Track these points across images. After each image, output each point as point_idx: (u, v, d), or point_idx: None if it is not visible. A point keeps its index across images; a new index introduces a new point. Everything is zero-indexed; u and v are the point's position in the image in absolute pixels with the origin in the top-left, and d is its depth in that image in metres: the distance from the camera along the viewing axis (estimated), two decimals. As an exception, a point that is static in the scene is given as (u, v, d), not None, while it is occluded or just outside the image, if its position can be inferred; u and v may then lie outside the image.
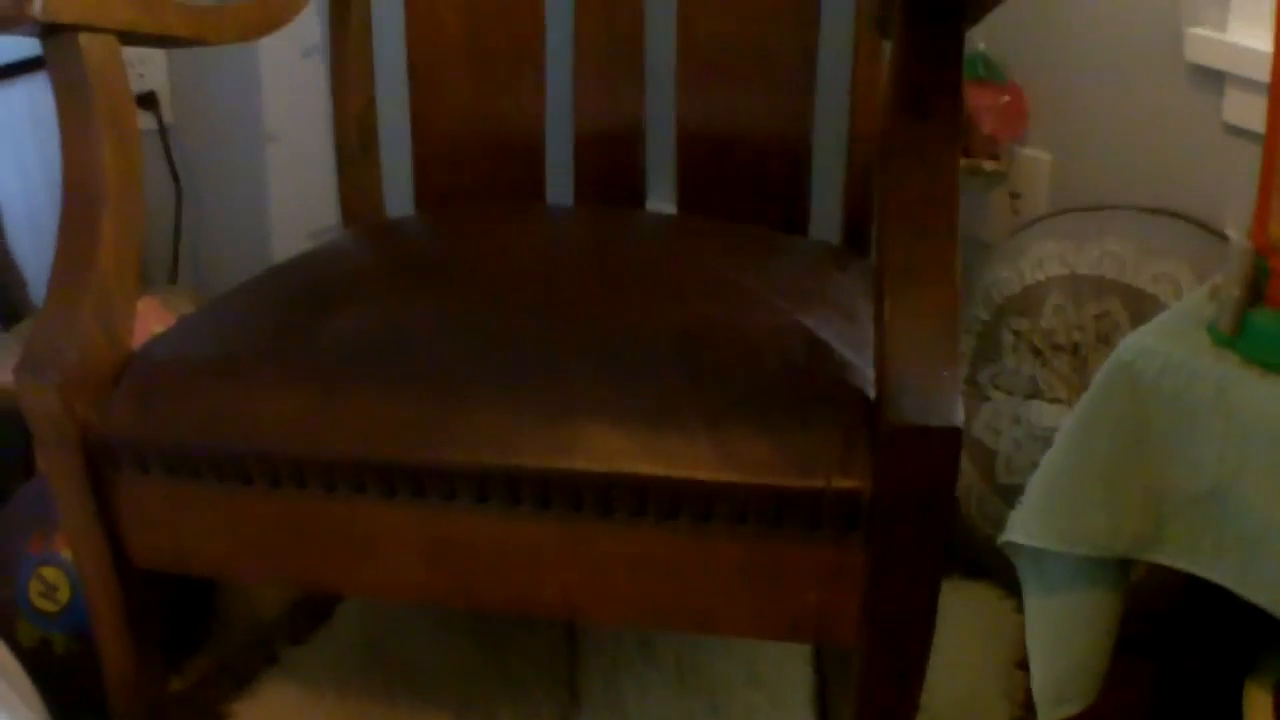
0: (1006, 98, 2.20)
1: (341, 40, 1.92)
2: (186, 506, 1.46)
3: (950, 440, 1.21)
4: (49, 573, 1.85)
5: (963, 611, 1.99)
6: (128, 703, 1.59)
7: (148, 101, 2.30)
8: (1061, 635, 1.41)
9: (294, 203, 2.38)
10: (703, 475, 1.28)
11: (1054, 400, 2.00)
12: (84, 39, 1.44)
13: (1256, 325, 1.31)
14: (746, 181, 1.87)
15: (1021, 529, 1.40)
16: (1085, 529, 1.36)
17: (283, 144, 2.36)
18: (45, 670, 1.84)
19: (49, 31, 1.44)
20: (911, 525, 1.25)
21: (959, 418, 1.21)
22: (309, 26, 1.90)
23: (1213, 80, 1.94)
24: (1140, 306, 1.92)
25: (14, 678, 1.78)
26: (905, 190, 1.27)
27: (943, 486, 1.23)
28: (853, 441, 1.27)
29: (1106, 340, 1.95)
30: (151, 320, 2.07)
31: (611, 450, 1.29)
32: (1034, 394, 2.02)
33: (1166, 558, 1.34)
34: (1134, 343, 1.34)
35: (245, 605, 2.08)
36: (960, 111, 1.26)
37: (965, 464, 2.07)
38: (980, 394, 2.08)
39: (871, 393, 1.30)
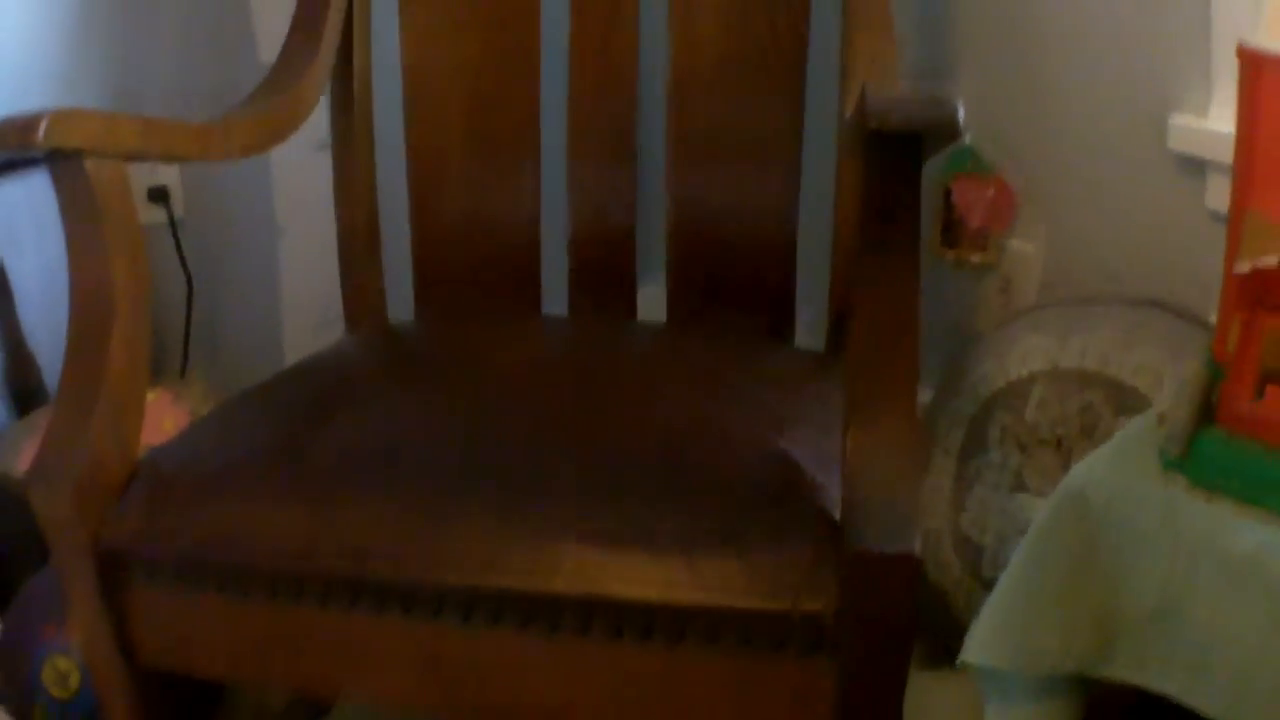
0: (994, 191, 2.25)
1: (344, 147, 1.99)
2: (191, 612, 1.52)
3: (907, 566, 1.27)
4: (61, 661, 1.90)
5: (951, 704, 2.01)
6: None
7: (159, 196, 2.34)
8: (1022, 748, 1.46)
9: (304, 295, 2.42)
10: (675, 598, 1.33)
11: (1039, 493, 2.03)
12: (90, 163, 1.49)
13: (1205, 448, 1.36)
14: (734, 285, 1.94)
15: (977, 650, 1.45)
16: (1037, 649, 1.41)
17: (293, 237, 2.41)
18: (60, 755, 1.89)
19: (55, 156, 1.49)
20: (874, 646, 1.30)
21: (915, 545, 1.27)
22: (320, 121, 1.94)
23: (1196, 168, 1.98)
24: (1122, 399, 1.95)
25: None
26: (867, 327, 1.33)
27: (902, 609, 1.29)
28: (819, 565, 1.32)
29: (1090, 433, 1.98)
30: (162, 414, 2.12)
31: (590, 573, 1.35)
32: (1019, 487, 2.05)
33: (1117, 674, 1.39)
34: (1084, 470, 1.38)
35: (253, 696, 2.11)
36: (918, 245, 1.31)
37: (952, 557, 2.11)
38: (967, 487, 2.11)
39: (838, 515, 1.36)
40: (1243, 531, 1.29)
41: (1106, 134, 2.11)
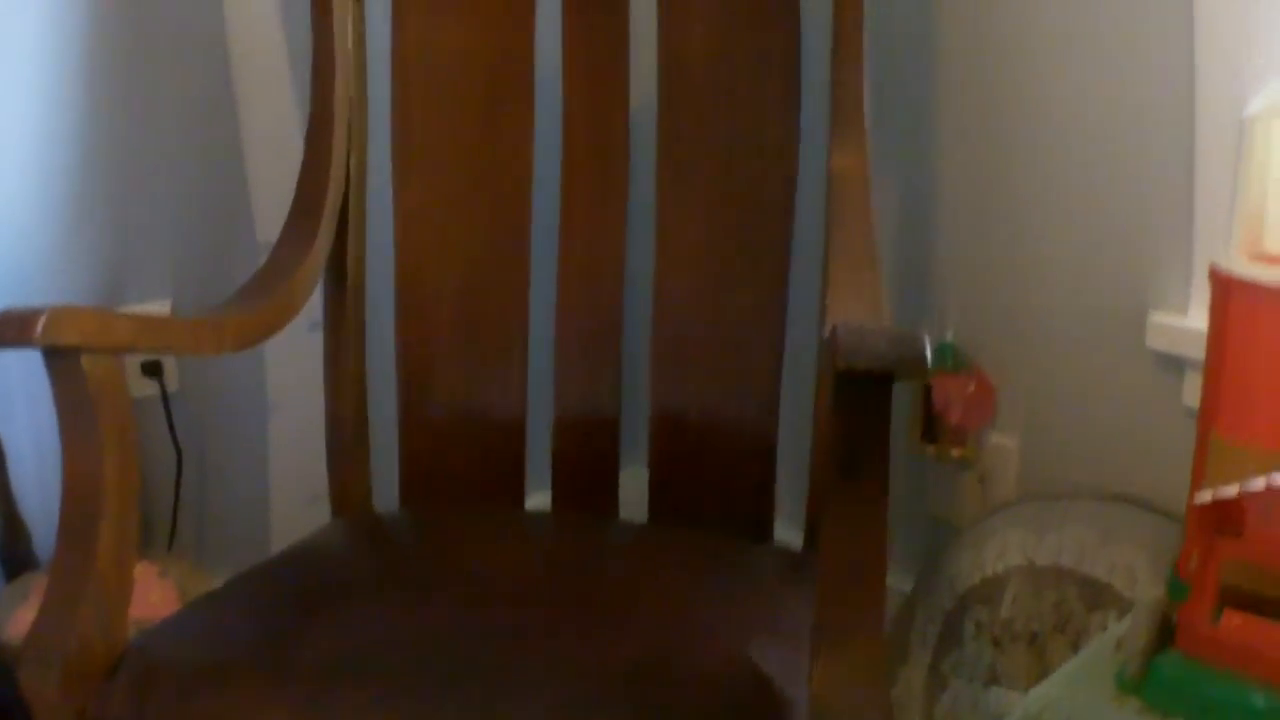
0: (973, 386, 2.28)
1: (336, 335, 2.02)
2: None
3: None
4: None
5: None
6: None
7: (153, 370, 2.35)
8: None
9: (293, 470, 2.45)
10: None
11: (1013, 688, 2.04)
12: (86, 360, 1.52)
13: (1162, 671, 1.38)
14: (715, 481, 1.97)
15: None
16: None
17: (284, 413, 2.43)
18: None
19: (52, 353, 1.52)
20: None
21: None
22: (314, 301, 1.98)
23: (1174, 366, 2.03)
24: (1097, 596, 1.98)
25: None
26: (835, 557, 1.36)
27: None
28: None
29: (1063, 629, 2.00)
30: (149, 587, 2.13)
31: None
32: (993, 681, 2.07)
33: None
34: (1041, 693, 1.41)
35: None
36: (886, 477, 1.34)
37: (927, 751, 2.13)
38: (941, 681, 2.13)
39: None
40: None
41: (1086, 330, 2.16)
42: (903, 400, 2.37)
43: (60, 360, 1.54)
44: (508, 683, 1.47)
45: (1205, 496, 1.39)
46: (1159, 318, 2.04)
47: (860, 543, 1.34)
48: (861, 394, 1.32)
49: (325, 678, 1.51)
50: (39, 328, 1.47)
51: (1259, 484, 1.34)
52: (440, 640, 1.55)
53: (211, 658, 1.57)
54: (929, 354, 1.25)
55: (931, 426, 2.36)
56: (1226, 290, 1.58)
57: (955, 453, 2.34)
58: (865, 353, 1.26)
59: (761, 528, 1.96)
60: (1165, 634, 1.40)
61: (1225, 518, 1.39)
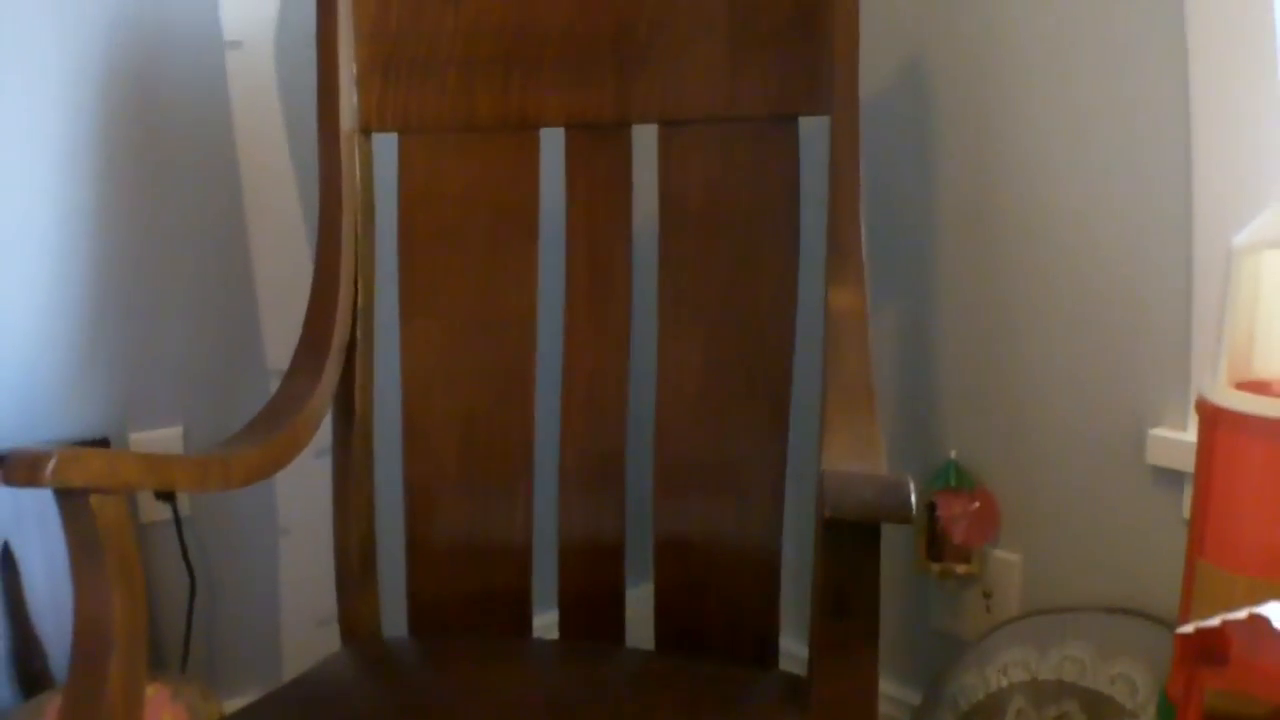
0: (977, 504, 2.30)
1: (344, 468, 2.05)
2: None
3: None
4: None
5: None
6: None
7: (166, 494, 2.39)
8: None
9: (304, 593, 2.48)
10: None
11: (1015, 803, 2.06)
12: (94, 500, 1.55)
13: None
14: (719, 607, 1.99)
15: None
16: None
17: (295, 536, 2.46)
18: None
19: (62, 493, 1.56)
20: None
21: None
22: (322, 429, 2.01)
23: (1173, 480, 2.05)
24: (1098, 708, 1.99)
25: None
26: (831, 688, 1.38)
27: None
28: None
29: (1065, 744, 2.02)
30: (160, 710, 2.15)
31: None
32: (996, 797, 2.08)
33: None
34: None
35: None
36: (876, 616, 1.36)
37: None
38: (945, 800, 2.15)
39: None
40: None
41: (1087, 446, 2.18)
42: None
43: (70, 500, 1.57)
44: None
45: (1188, 628, 1.41)
46: (1159, 433, 2.06)
47: (851, 681, 1.37)
48: (849, 539, 1.35)
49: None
50: (49, 471, 1.50)
51: (1241, 614, 1.36)
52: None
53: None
54: (914, 501, 1.27)
55: (936, 544, 2.38)
56: (1213, 419, 1.61)
57: (960, 569, 2.35)
58: (851, 501, 1.28)
59: (766, 649, 1.97)
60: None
61: (1210, 646, 1.41)
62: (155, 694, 2.20)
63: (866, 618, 1.36)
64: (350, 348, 2.03)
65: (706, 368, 2.01)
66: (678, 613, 2.02)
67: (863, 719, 1.36)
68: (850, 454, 1.44)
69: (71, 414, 2.20)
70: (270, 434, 1.84)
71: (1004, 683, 2.11)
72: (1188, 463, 1.98)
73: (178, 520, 2.40)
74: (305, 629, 2.46)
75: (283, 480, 2.43)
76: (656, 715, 1.74)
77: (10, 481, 1.53)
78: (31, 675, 2.25)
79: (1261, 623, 1.35)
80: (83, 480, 1.54)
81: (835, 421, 1.57)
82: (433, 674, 1.91)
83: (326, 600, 2.07)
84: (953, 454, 2.33)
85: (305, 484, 2.37)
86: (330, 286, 2.00)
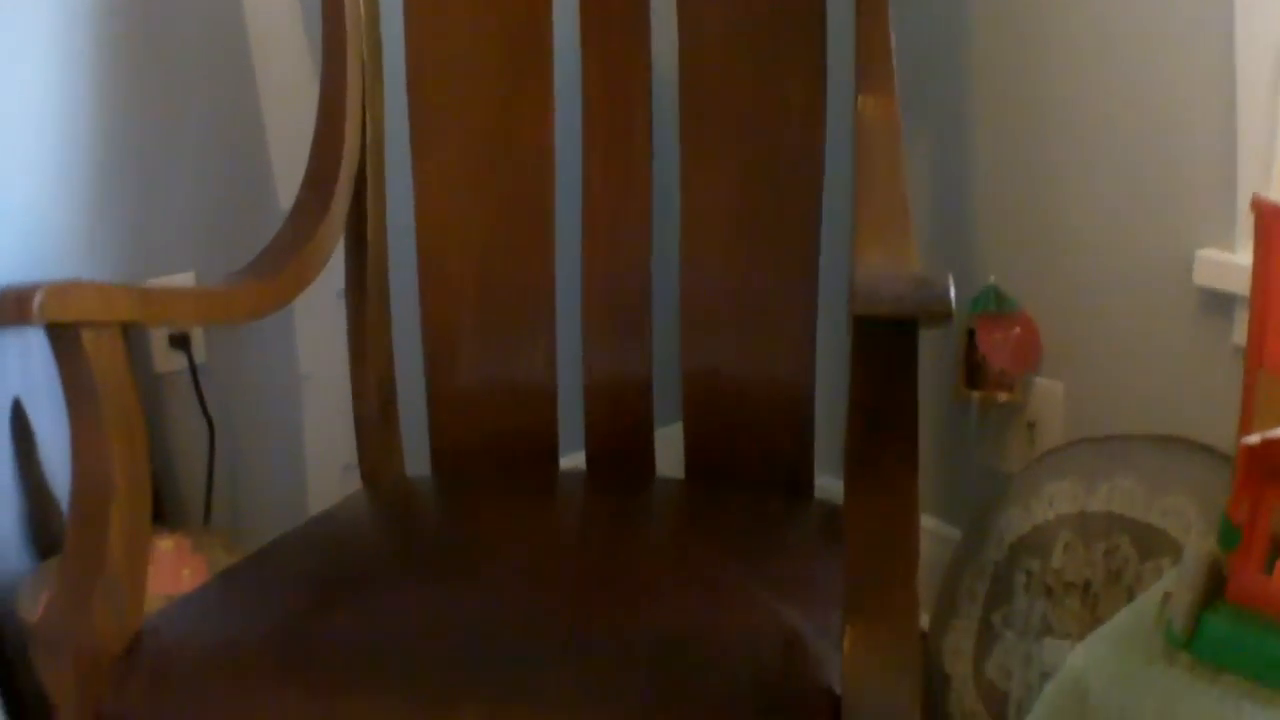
0: (1018, 329, 2.23)
1: (358, 303, 1.99)
2: (193, 786, 1.50)
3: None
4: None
5: None
6: None
7: (180, 342, 2.33)
8: None
9: (328, 440, 2.41)
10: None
11: (1065, 637, 2.00)
12: (87, 336, 1.49)
13: (1212, 625, 1.32)
14: (751, 435, 1.91)
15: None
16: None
17: (316, 382, 2.40)
18: None
19: (53, 329, 1.49)
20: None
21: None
22: (339, 268, 1.95)
23: (1223, 304, 1.98)
24: (1149, 542, 1.93)
25: None
26: (863, 516, 1.30)
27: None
28: (820, 747, 1.29)
29: (1117, 578, 1.96)
30: (181, 562, 2.10)
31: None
32: (1045, 633, 2.02)
33: None
34: (1087, 650, 1.35)
35: None
36: (915, 429, 1.28)
37: (977, 705, 2.08)
38: (992, 634, 2.09)
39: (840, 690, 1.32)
40: (1249, 716, 1.26)
41: (1132, 269, 2.11)
42: (945, 347, 2.32)
43: (62, 338, 1.51)
44: (527, 671, 1.42)
45: (1253, 439, 1.33)
46: (1206, 254, 1.99)
47: (890, 503, 1.29)
48: (883, 343, 1.26)
49: (342, 668, 1.46)
50: (36, 305, 1.44)
51: (1313, 421, 1.29)
52: (461, 626, 1.50)
53: (226, 645, 1.53)
54: (953, 296, 1.18)
55: (976, 372, 2.31)
56: (1271, 221, 1.52)
57: (1001, 398, 2.29)
58: (884, 297, 1.20)
59: (801, 482, 1.90)
60: (1216, 586, 1.34)
61: (1276, 461, 1.33)
62: (175, 546, 2.15)
63: (904, 432, 1.28)
64: (360, 184, 1.95)
65: (732, 198, 1.93)
66: (708, 451, 1.95)
67: (902, 542, 1.28)
68: (881, 258, 1.36)
69: (83, 265, 2.14)
70: (275, 268, 1.78)
71: (1050, 515, 2.05)
72: (1236, 284, 1.92)
73: (193, 368, 2.35)
74: (331, 476, 2.40)
75: (302, 324, 2.36)
76: (691, 545, 1.68)
77: None
78: (47, 538, 2.22)
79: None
80: (74, 315, 1.48)
81: (866, 225, 1.48)
82: (456, 509, 1.86)
83: (352, 446, 2.02)
84: (992, 279, 2.26)
85: (326, 327, 2.31)
86: (335, 119, 1.92)
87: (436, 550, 1.71)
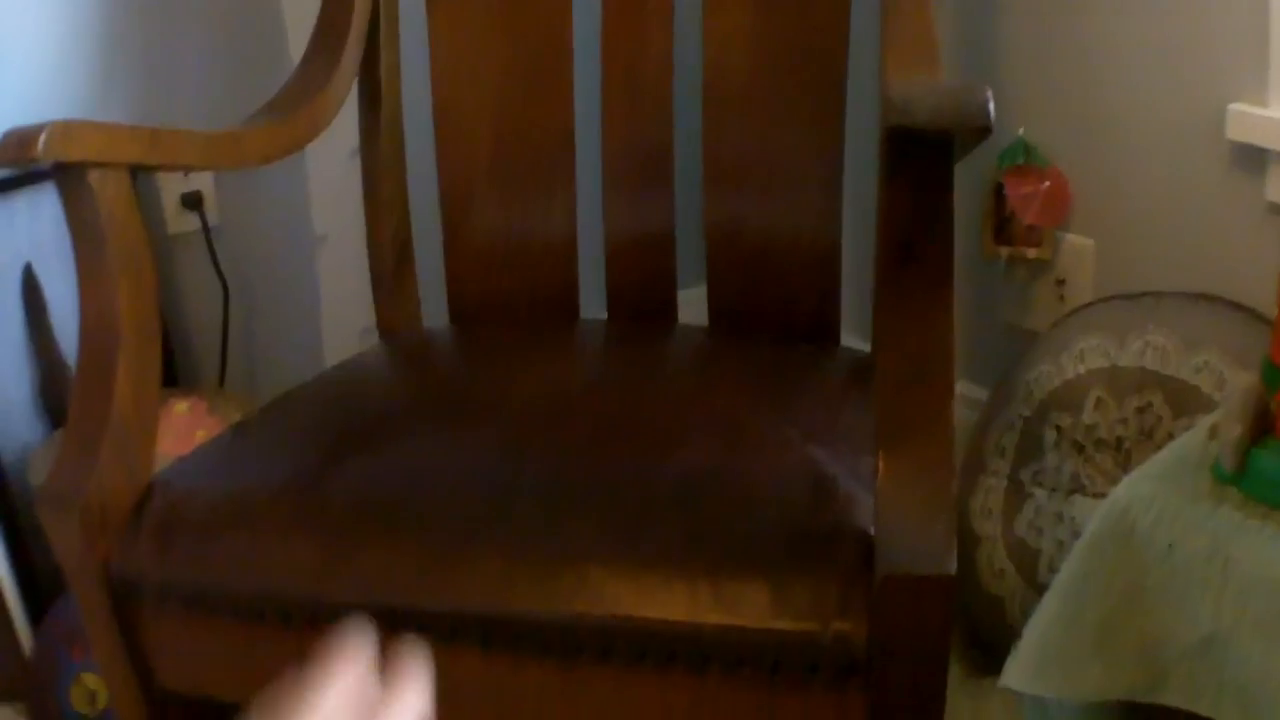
0: (1047, 184, 2.19)
1: (372, 155, 1.94)
2: (205, 638, 1.48)
3: (943, 588, 1.19)
4: (89, 679, 1.90)
5: (1003, 714, 1.96)
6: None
7: (193, 202, 2.31)
8: (1068, 772, 1.40)
9: (343, 300, 2.38)
10: (699, 619, 1.27)
11: (1096, 495, 1.97)
12: (93, 176, 1.46)
13: (1261, 461, 1.29)
14: (777, 288, 1.87)
15: (1018, 678, 1.39)
16: (1081, 680, 1.34)
17: (330, 242, 2.36)
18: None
19: (59, 169, 1.46)
20: (908, 671, 1.23)
21: (952, 566, 1.19)
22: (354, 126, 1.91)
23: (1255, 158, 1.93)
24: (1182, 399, 1.90)
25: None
26: (896, 343, 1.25)
27: (937, 633, 1.21)
28: (851, 585, 1.25)
29: (1149, 434, 1.93)
30: (195, 425, 2.08)
31: (609, 595, 1.29)
32: (1076, 490, 1.99)
33: (1169, 701, 1.32)
34: (1130, 488, 1.32)
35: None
36: (950, 258, 1.24)
37: (1007, 564, 2.05)
38: (1022, 492, 2.05)
39: (874, 530, 1.29)
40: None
41: (1163, 123, 2.06)
42: (973, 202, 2.28)
43: (68, 179, 1.47)
44: (549, 510, 1.39)
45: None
46: (1238, 107, 1.94)
47: (923, 332, 1.24)
48: (919, 159, 1.21)
49: (351, 513, 1.44)
50: (41, 143, 1.41)
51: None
52: (477, 465, 1.47)
53: (236, 495, 1.50)
54: (992, 109, 1.14)
55: (1005, 227, 2.27)
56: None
57: (1030, 254, 2.25)
58: (921, 108, 1.15)
59: (826, 334, 1.86)
60: (1263, 421, 1.30)
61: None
62: (190, 409, 2.13)
63: (938, 262, 1.23)
64: (373, 31, 1.90)
65: (756, 47, 1.86)
66: (733, 306, 1.91)
67: (936, 373, 1.24)
68: (914, 76, 1.31)
69: (92, 116, 2.10)
70: (286, 113, 1.74)
71: (1081, 370, 2.02)
72: (1271, 140, 1.88)
73: (206, 229, 2.33)
74: (348, 339, 2.37)
75: (316, 185, 2.32)
76: (716, 389, 1.64)
77: (1, 162, 1.45)
78: (59, 407, 2.20)
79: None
80: (80, 154, 1.45)
81: (895, 57, 1.44)
82: (474, 359, 1.83)
83: (369, 310, 1.99)
84: (1021, 131, 2.21)
85: (340, 189, 2.27)
86: (345, -33, 1.86)
87: (453, 398, 1.67)
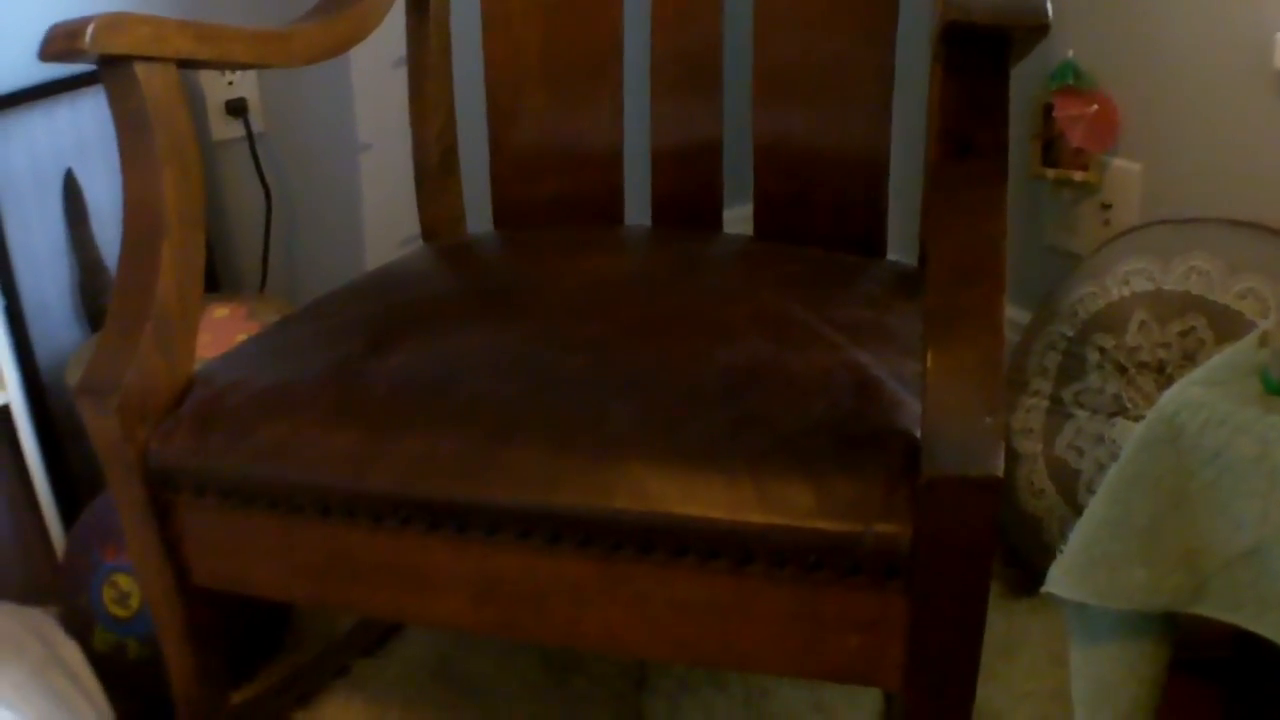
0: (1096, 107, 2.18)
1: (419, 59, 1.93)
2: (242, 531, 1.48)
3: (989, 490, 1.18)
4: (122, 580, 1.89)
5: (1040, 634, 1.95)
6: (192, 714, 1.61)
7: (237, 109, 2.30)
8: (1106, 685, 1.39)
9: (386, 210, 2.37)
10: (741, 517, 1.26)
11: (1138, 418, 1.96)
12: (140, 69, 1.45)
13: (1312, 370, 1.28)
14: (824, 201, 1.85)
15: (1062, 583, 1.38)
16: (1124, 585, 1.33)
17: (374, 152, 2.36)
18: (119, 674, 1.89)
19: (105, 62, 1.45)
20: (952, 573, 1.22)
21: (999, 467, 1.17)
22: (398, 36, 1.90)
23: (1303, 88, 1.89)
24: (1226, 324, 1.89)
25: (83, 680, 1.81)
26: (949, 238, 1.24)
27: (982, 535, 1.20)
28: (895, 486, 1.24)
29: (1192, 358, 1.92)
30: (236, 329, 2.08)
31: (651, 491, 1.28)
32: (1118, 412, 1.99)
33: (1209, 611, 1.31)
34: (1179, 394, 1.30)
35: (322, 614, 2.09)
36: (1005, 156, 1.23)
37: (1047, 484, 2.04)
38: (1063, 412, 2.05)
39: (919, 433, 1.28)
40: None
41: (1212, 50, 2.04)
42: (1020, 123, 2.26)
43: (114, 71, 1.46)
44: (591, 395, 1.38)
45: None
46: (1287, 36, 1.91)
47: (976, 227, 1.23)
48: (975, 56, 1.20)
49: (392, 404, 1.43)
50: (89, 35, 1.40)
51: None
52: (520, 359, 1.46)
53: (277, 386, 1.49)
54: (1050, 8, 1.13)
55: (1052, 149, 2.26)
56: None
57: (1077, 177, 2.24)
58: (981, 4, 1.14)
59: (873, 247, 1.84)
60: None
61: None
62: (231, 313, 2.13)
63: (994, 158, 1.22)
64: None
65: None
66: (779, 215, 1.89)
67: (988, 269, 1.23)
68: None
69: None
70: (334, 13, 1.73)
71: (1125, 292, 2.00)
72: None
73: (250, 136, 2.32)
74: (390, 249, 2.37)
75: (361, 93, 2.31)
76: (761, 290, 1.62)
77: (48, 55, 1.44)
78: (98, 310, 2.20)
79: None
80: (126, 46, 1.44)
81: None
82: (518, 257, 1.81)
83: (413, 219, 1.97)
84: (1070, 53, 2.20)
85: (384, 95, 2.27)
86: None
87: (497, 293, 1.66)
